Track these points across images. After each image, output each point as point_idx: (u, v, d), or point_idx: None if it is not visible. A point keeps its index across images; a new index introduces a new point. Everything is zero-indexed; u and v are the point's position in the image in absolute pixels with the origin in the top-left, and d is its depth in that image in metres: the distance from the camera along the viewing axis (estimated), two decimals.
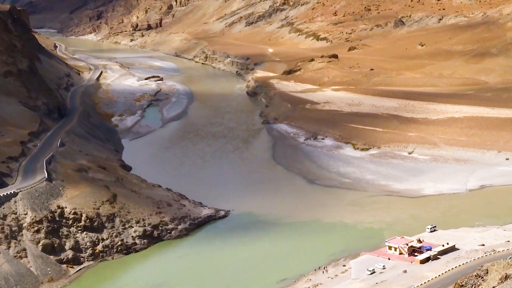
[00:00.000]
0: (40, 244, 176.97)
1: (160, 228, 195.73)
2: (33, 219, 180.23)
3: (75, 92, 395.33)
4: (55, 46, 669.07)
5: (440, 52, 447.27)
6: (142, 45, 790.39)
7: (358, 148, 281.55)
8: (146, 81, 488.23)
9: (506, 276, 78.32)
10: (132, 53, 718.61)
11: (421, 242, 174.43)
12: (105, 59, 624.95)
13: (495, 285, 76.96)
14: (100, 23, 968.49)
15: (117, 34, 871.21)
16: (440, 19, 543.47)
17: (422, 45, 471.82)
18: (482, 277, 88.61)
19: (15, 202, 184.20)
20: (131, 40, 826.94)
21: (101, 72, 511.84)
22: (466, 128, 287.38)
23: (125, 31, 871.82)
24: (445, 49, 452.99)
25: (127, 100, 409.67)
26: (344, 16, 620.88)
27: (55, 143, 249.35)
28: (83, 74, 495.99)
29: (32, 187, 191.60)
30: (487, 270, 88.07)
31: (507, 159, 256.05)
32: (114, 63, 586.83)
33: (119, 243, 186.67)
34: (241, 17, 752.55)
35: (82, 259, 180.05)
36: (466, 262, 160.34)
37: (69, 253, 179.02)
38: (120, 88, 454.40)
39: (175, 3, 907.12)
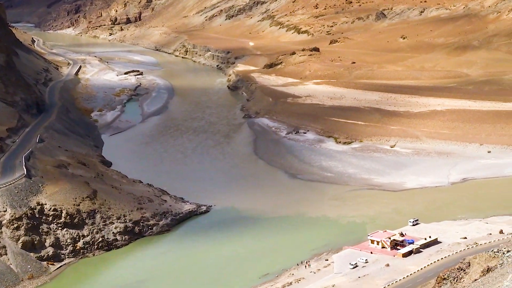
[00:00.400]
0: (20, 241, 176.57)
1: (141, 224, 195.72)
2: (12, 216, 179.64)
3: (53, 87, 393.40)
4: (33, 41, 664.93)
5: (422, 45, 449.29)
6: (121, 39, 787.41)
7: (340, 142, 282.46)
8: (126, 75, 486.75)
9: (488, 268, 79.21)
10: (111, 47, 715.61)
11: (403, 235, 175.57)
12: (84, 53, 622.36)
13: (477, 278, 77.85)
14: (78, 17, 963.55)
15: (96, 28, 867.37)
16: (421, 12, 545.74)
17: (404, 38, 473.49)
18: (464, 270, 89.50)
19: None
20: (110, 34, 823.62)
21: (80, 67, 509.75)
22: (448, 121, 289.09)
23: (104, 25, 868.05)
24: (427, 41, 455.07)
25: (106, 95, 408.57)
26: (325, 9, 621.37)
27: (34, 139, 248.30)
28: (62, 69, 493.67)
29: (11, 184, 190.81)
30: (469, 263, 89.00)
31: (489, 152, 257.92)
32: (93, 57, 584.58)
33: (100, 239, 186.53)
34: (221, 11, 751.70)
35: (62, 256, 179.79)
36: (449, 255, 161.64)
37: (50, 250, 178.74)
38: (100, 83, 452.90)
39: None
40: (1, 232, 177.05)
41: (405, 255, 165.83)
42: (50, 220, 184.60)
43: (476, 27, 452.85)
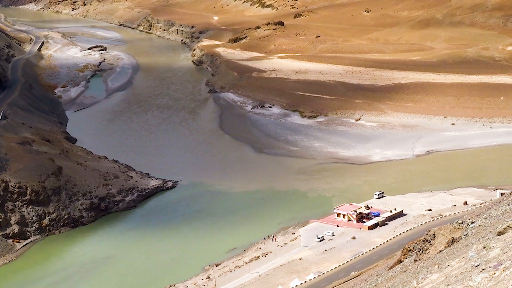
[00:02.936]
0: None
1: (107, 200, 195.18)
2: None
3: (16, 63, 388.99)
4: None
5: (386, 18, 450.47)
6: (85, 14, 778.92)
7: (305, 116, 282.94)
8: (90, 51, 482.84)
9: (452, 240, 80.00)
10: (74, 23, 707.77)
11: (369, 208, 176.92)
12: (46, 29, 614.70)
13: (442, 249, 78.65)
14: None
15: (58, 3, 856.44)
16: None
17: (368, 11, 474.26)
18: (429, 242, 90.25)
19: None
20: (73, 9, 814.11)
21: (43, 43, 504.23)
22: (413, 94, 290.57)
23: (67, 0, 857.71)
24: (391, 15, 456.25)
25: (70, 71, 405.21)
26: None
27: None
28: (24, 45, 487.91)
29: None
30: (434, 234, 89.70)
31: (452, 124, 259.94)
32: (56, 33, 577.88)
33: (66, 216, 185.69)
34: None
35: (28, 233, 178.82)
36: (414, 227, 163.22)
37: (15, 228, 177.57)
38: (63, 58, 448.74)
39: None
40: None
41: (371, 227, 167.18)
42: (15, 197, 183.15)
43: (439, 0, 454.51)
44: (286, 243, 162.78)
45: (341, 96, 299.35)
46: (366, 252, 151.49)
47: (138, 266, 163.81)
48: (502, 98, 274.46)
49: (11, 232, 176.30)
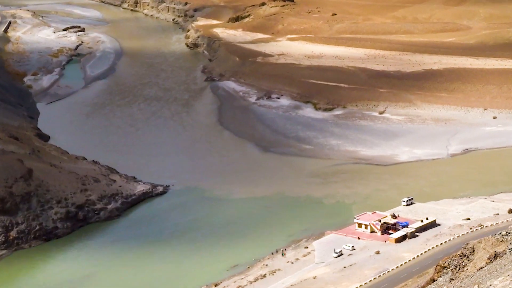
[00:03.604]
0: None
1: (86, 208, 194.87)
2: None
3: None
4: None
5: None
6: None
7: (320, 108, 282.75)
8: (65, 32, 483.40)
9: (495, 254, 79.78)
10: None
11: (396, 217, 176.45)
12: (14, 7, 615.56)
13: (483, 266, 78.39)
14: None
15: None
16: None
17: None
18: (467, 257, 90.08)
19: None
20: None
21: (10, 23, 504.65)
22: (447, 82, 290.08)
23: None
24: None
25: (42, 56, 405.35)
26: None
27: None
28: None
29: None
30: (473, 248, 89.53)
31: (494, 117, 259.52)
32: (25, 11, 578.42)
33: (37, 227, 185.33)
34: None
35: None
36: (449, 240, 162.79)
37: None
38: (34, 41, 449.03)
39: None
40: None
41: (398, 240, 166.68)
42: None
43: None
44: (297, 259, 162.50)
45: (362, 84, 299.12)
46: (392, 269, 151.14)
47: (122, 286, 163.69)
48: None
49: None
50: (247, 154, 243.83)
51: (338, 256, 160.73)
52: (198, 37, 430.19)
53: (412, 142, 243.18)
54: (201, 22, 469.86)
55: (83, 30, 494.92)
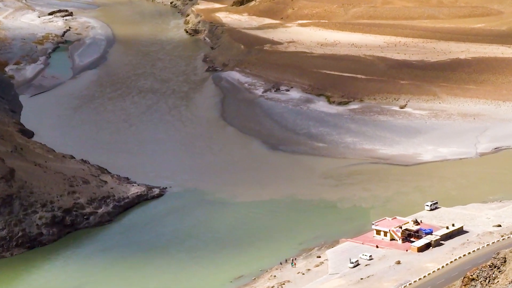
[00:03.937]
0: None
1: (74, 213, 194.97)
2: None
3: None
4: None
5: None
6: None
7: (334, 102, 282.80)
8: (51, 17, 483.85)
9: None
10: None
11: (418, 224, 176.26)
12: None
13: None
14: None
15: None
16: None
17: None
18: (498, 268, 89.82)
19: None
20: None
21: None
22: (475, 73, 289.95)
23: None
24: None
25: (25, 43, 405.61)
26: None
27: None
28: None
29: None
30: (505, 258, 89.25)
31: None
32: None
33: (20, 234, 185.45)
34: None
35: None
36: (478, 249, 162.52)
37: None
38: (16, 27, 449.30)
39: None
40: None
41: (421, 249, 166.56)
42: None
43: None
44: (309, 270, 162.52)
45: (381, 76, 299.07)
46: (414, 281, 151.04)
47: None
48: None
49: None
50: (253, 153, 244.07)
51: (354, 266, 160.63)
52: (199, 22, 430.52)
53: (436, 140, 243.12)
54: (202, 5, 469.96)
55: (71, 14, 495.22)
